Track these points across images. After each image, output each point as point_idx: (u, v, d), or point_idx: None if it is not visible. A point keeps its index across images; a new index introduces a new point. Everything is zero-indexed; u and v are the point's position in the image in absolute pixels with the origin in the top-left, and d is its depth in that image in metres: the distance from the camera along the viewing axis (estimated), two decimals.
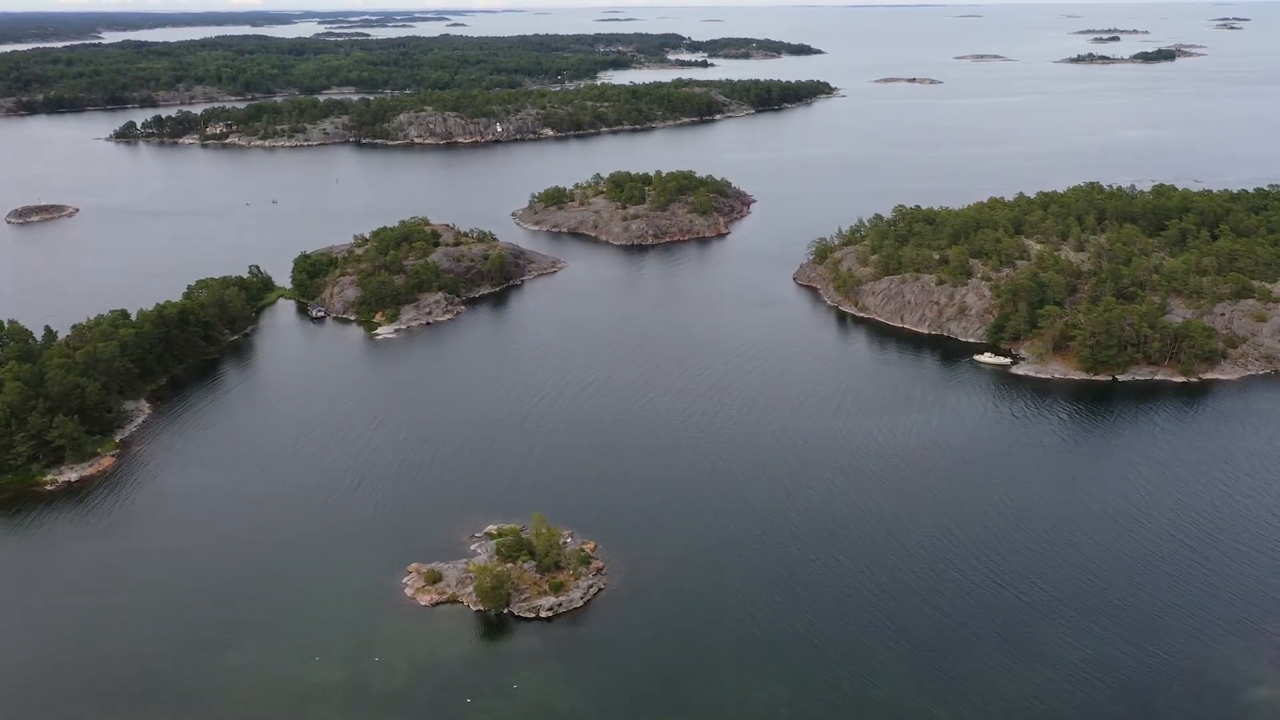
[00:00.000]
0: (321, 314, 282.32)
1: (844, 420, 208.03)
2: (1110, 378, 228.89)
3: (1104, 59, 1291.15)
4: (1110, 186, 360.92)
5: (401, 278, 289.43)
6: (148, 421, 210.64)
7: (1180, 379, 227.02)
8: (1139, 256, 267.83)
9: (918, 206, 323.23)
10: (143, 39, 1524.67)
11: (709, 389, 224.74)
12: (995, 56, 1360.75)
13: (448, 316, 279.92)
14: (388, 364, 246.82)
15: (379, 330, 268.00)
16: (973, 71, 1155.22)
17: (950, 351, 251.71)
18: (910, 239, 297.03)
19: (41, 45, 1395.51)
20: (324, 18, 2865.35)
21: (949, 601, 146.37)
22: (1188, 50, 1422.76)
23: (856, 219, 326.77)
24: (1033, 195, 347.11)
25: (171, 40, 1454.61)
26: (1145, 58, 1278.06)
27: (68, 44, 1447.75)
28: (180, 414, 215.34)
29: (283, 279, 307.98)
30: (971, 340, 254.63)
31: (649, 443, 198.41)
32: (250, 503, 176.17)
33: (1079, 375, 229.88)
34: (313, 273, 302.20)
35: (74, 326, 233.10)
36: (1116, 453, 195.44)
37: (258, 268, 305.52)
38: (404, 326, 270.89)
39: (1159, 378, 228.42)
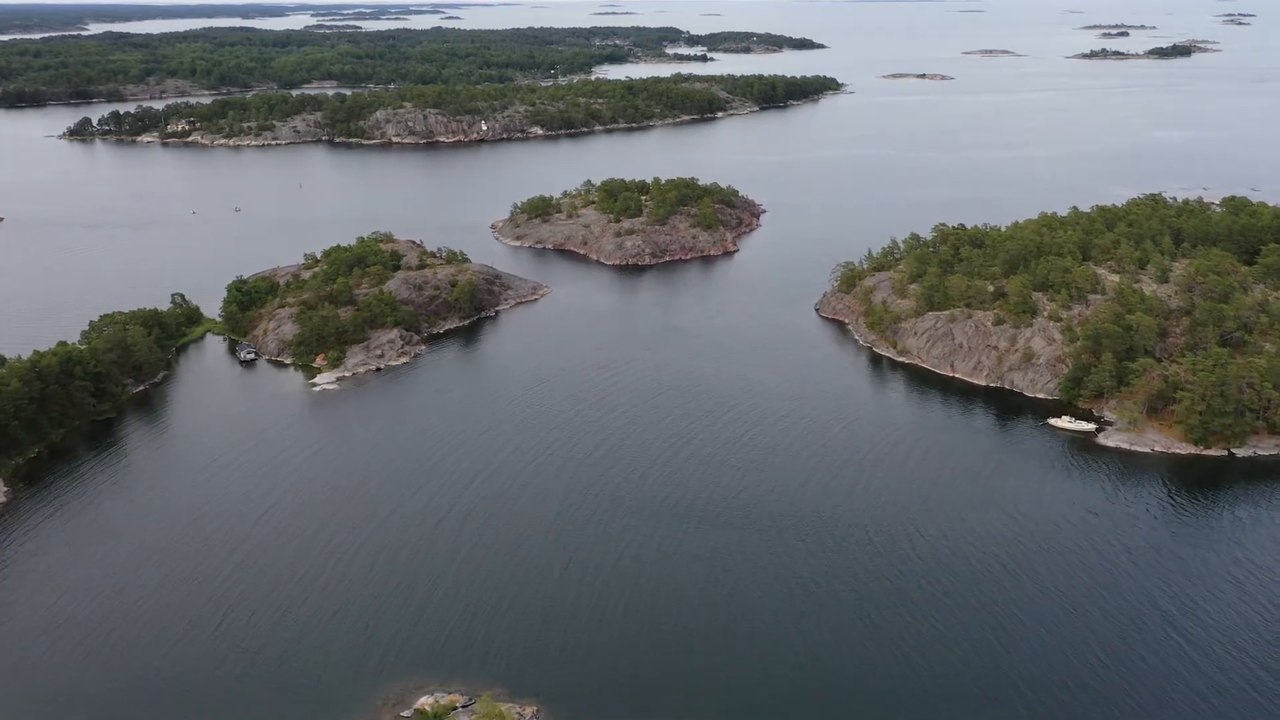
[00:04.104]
0: (252, 355, 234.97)
1: (875, 516, 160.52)
2: (1225, 452, 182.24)
3: (1118, 54, 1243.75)
4: (1174, 199, 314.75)
5: (350, 311, 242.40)
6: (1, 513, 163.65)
7: None
8: (1238, 292, 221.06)
9: (962, 225, 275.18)
10: (129, 31, 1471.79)
11: (711, 466, 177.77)
12: (1005, 51, 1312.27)
13: (403, 359, 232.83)
14: (319, 428, 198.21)
15: (318, 379, 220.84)
16: (984, 67, 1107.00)
17: (1014, 409, 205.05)
18: (956, 265, 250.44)
19: (20, 37, 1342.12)
20: (318, 10, 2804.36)
21: None
22: (1202, 46, 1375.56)
23: (889, 239, 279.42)
24: (1076, 207, 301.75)
25: (155, 32, 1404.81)
26: (1160, 54, 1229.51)
27: (45, 35, 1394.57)
28: (44, 503, 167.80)
29: (217, 307, 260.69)
30: (1040, 396, 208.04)
31: (635, 554, 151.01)
32: (97, 648, 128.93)
33: (1185, 449, 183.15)
34: (246, 303, 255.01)
35: None
36: (1247, 576, 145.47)
37: (182, 296, 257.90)
38: (348, 373, 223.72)
39: None
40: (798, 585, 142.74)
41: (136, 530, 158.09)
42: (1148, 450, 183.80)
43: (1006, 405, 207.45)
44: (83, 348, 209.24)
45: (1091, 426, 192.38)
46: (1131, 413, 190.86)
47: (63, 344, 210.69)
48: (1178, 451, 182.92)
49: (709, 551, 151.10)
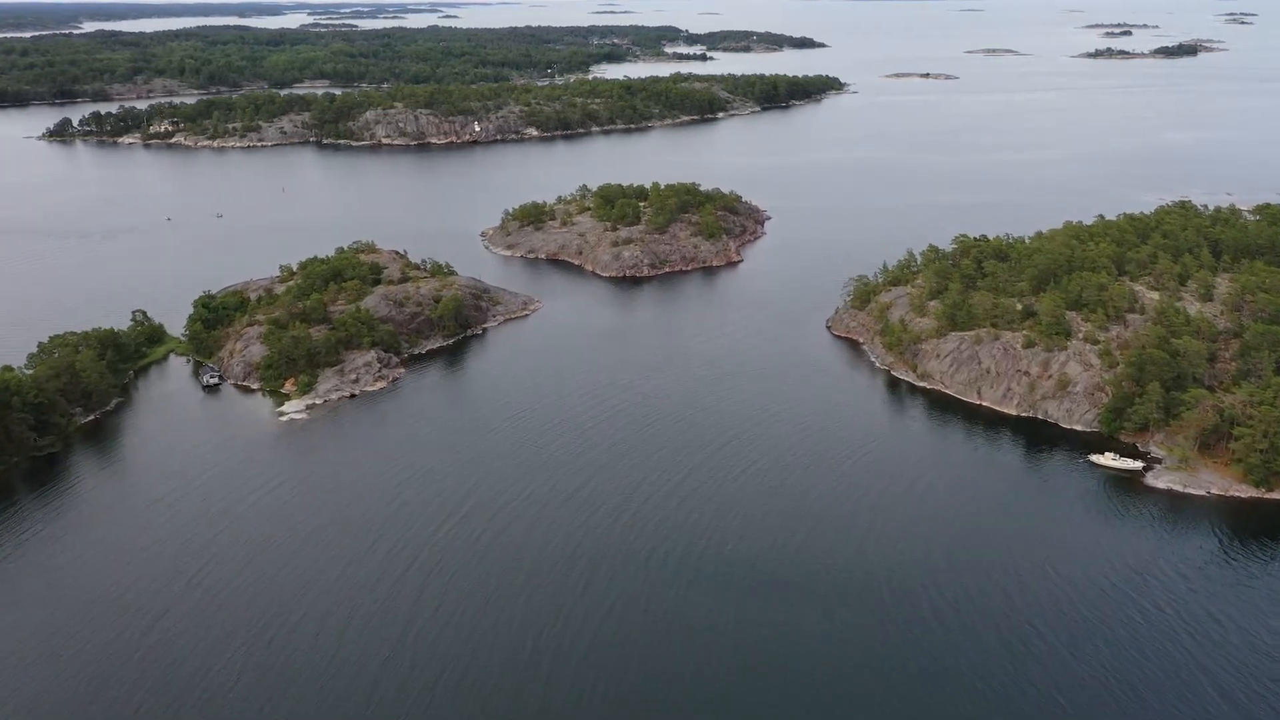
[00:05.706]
0: (216, 380, 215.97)
1: (892, 571, 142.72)
2: None
3: (1123, 54, 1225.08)
4: (1204, 207, 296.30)
5: (323, 330, 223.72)
6: None
7: None
8: None
9: (984, 237, 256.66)
10: (121, 30, 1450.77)
11: (707, 511, 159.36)
12: (1008, 51, 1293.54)
13: (380, 384, 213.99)
14: (280, 466, 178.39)
15: (285, 406, 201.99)
16: (988, 66, 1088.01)
17: (1049, 442, 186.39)
18: (980, 281, 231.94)
19: (10, 35, 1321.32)
20: (314, 9, 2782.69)
21: None
22: (1208, 45, 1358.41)
23: (905, 250, 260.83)
24: (1103, 216, 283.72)
25: (148, 31, 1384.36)
26: (1166, 53, 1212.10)
27: (35, 34, 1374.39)
28: None
29: (183, 324, 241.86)
30: (1078, 427, 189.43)
31: (618, 623, 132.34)
32: None
33: (1244, 491, 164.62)
34: (213, 320, 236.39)
35: None
36: None
37: (144, 313, 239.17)
38: (319, 400, 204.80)
39: None
40: (808, 657, 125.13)
41: (56, 589, 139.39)
42: (1202, 493, 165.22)
43: (1040, 437, 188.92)
44: (25, 374, 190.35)
45: (1138, 464, 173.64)
46: (1182, 449, 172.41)
47: (8, 369, 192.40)
48: (1236, 494, 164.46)
49: (703, 618, 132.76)
